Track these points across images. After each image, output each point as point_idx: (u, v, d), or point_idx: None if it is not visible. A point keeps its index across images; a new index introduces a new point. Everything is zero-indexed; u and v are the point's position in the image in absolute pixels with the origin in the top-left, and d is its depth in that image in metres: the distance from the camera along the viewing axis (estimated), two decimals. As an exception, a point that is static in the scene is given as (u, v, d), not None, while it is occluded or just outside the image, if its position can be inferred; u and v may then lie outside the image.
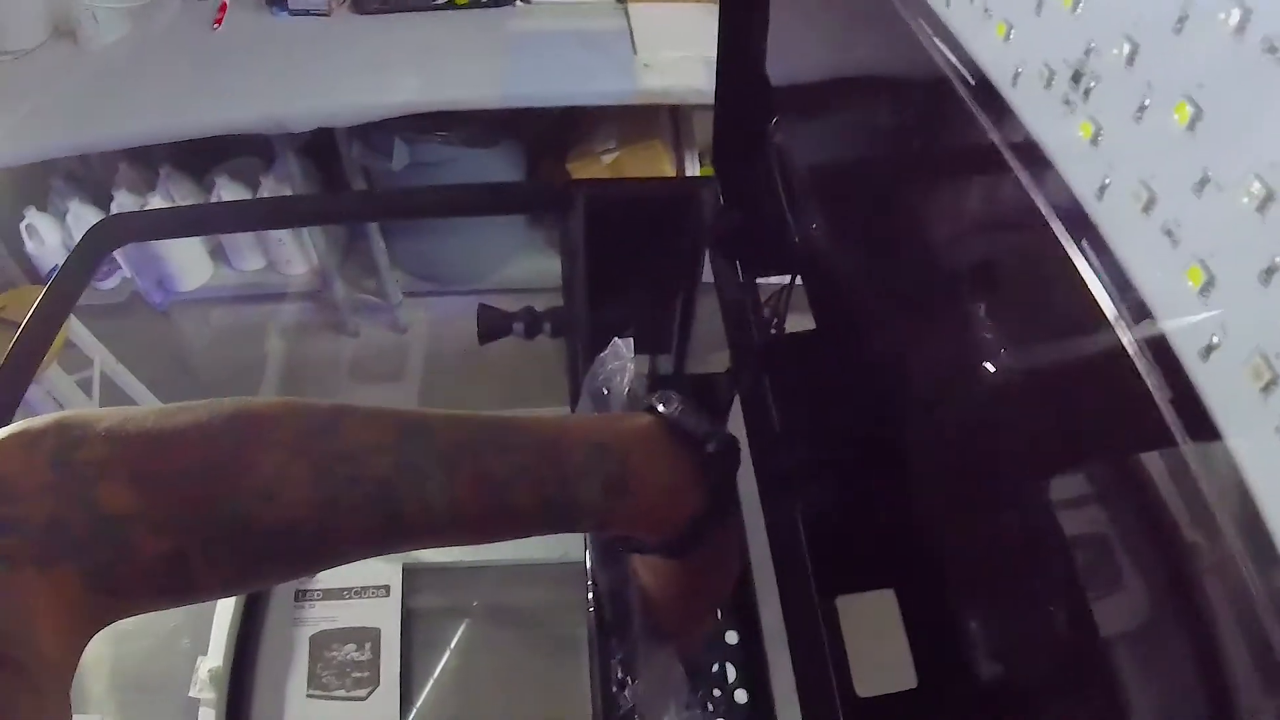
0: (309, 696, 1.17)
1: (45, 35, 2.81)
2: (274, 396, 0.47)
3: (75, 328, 2.32)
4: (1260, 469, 0.29)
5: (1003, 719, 0.49)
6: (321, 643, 1.21)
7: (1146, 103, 0.34)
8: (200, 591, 0.44)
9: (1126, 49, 0.34)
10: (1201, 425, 0.31)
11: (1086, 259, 0.37)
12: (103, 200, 2.87)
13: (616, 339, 0.64)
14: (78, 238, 2.59)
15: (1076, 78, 0.38)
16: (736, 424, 0.72)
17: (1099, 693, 0.42)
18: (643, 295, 0.81)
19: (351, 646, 1.20)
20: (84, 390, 2.35)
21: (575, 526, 0.51)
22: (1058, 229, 0.38)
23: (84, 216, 2.83)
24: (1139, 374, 0.34)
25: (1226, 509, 0.30)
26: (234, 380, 2.92)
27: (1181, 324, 0.33)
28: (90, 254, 0.91)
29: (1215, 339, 0.31)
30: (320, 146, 2.59)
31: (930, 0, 0.50)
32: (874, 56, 0.60)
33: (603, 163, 2.69)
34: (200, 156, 2.86)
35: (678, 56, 2.42)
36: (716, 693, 0.72)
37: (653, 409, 0.54)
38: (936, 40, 0.47)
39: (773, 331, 0.73)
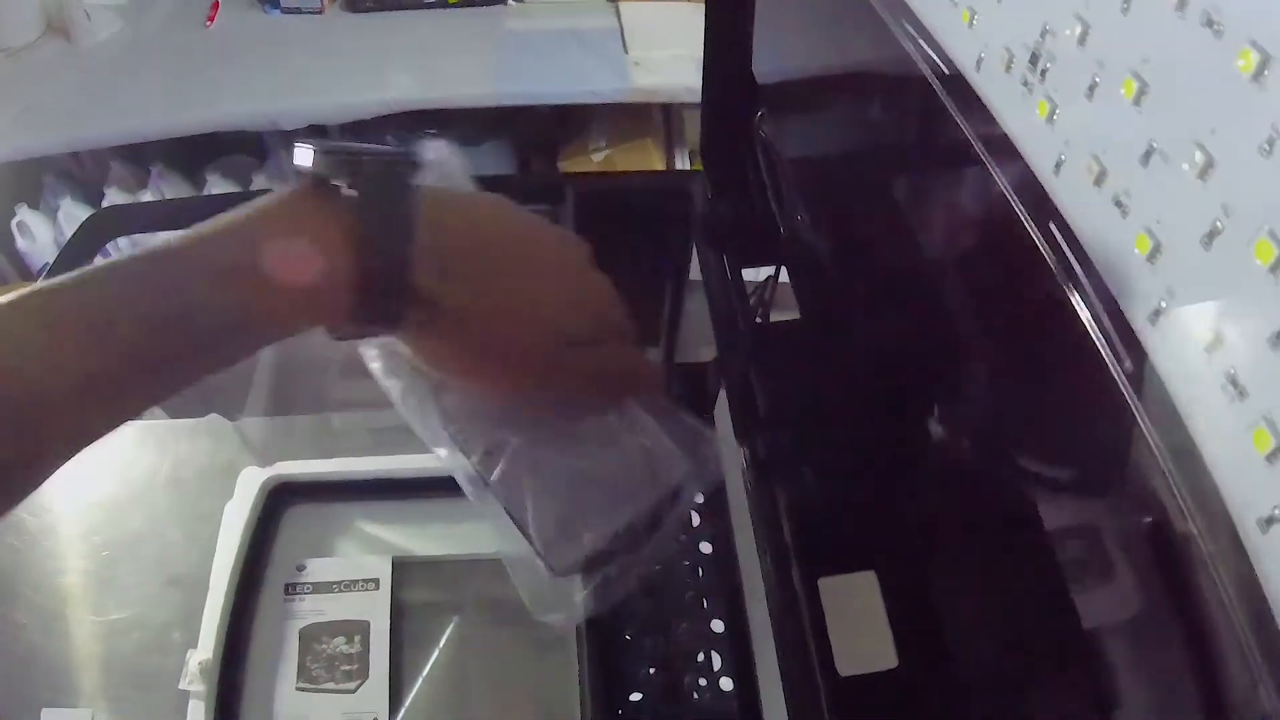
0: (298, 689, 1.17)
1: (38, 32, 2.81)
2: None
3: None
4: (1205, 425, 0.30)
5: (979, 696, 0.49)
6: (311, 635, 1.21)
7: (1097, 80, 0.35)
8: None
9: (1079, 29, 0.36)
10: (1155, 389, 0.32)
11: (1047, 236, 0.38)
12: (94, 198, 2.87)
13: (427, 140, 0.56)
14: (69, 235, 2.60)
15: (1034, 60, 0.39)
16: (722, 414, 0.73)
17: (1075, 675, 0.43)
18: (632, 287, 0.82)
19: (341, 639, 1.21)
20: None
21: (212, 350, 0.44)
22: (1020, 209, 0.39)
23: (76, 214, 2.83)
24: (1098, 344, 0.34)
25: (1181, 472, 0.31)
26: (219, 387, 2.91)
27: (1132, 289, 0.34)
28: (87, 244, 0.91)
29: (1162, 304, 0.32)
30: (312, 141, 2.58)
31: None
32: (850, 49, 0.61)
33: (594, 161, 2.70)
34: (192, 154, 2.86)
35: (668, 55, 2.44)
36: (702, 681, 0.73)
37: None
38: (908, 28, 0.48)
39: (758, 320, 0.75)
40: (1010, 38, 0.40)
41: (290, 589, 1.24)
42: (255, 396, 2.85)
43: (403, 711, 1.17)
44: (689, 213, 0.82)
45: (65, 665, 1.22)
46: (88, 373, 0.40)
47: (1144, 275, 0.33)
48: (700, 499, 0.71)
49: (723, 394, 0.73)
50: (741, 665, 0.72)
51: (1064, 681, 0.44)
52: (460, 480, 0.57)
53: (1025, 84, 0.40)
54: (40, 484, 0.42)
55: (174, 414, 1.56)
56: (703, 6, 2.47)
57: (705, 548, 0.74)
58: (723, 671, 0.72)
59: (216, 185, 2.79)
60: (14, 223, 2.85)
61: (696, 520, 0.74)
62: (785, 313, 0.74)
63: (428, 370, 0.55)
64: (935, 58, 0.45)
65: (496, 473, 0.55)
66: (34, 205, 2.89)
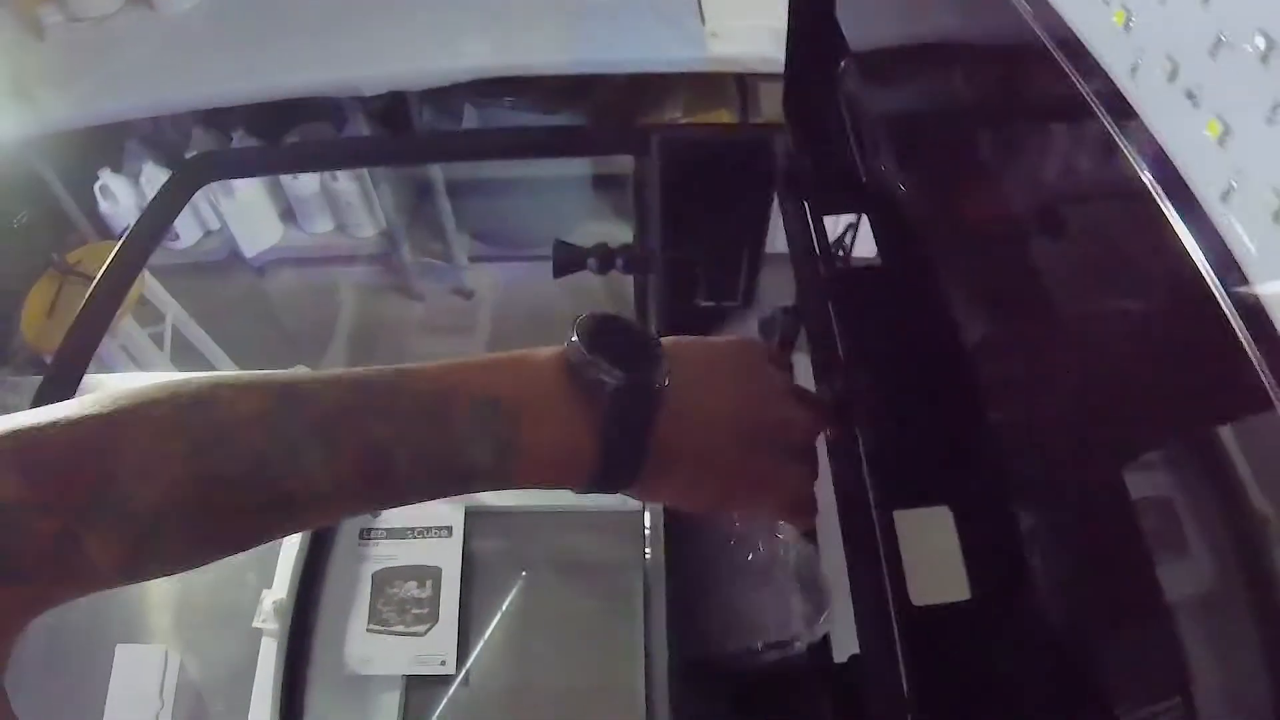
0: (369, 630, 1.20)
1: (122, 1, 2.87)
2: (177, 376, 0.45)
3: (149, 283, 2.38)
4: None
5: (1051, 629, 0.50)
6: (383, 579, 1.24)
7: None
8: (104, 576, 0.42)
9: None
10: (1229, 267, 0.33)
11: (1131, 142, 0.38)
12: (176, 163, 2.91)
13: None
14: (151, 198, 2.66)
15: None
16: (801, 362, 0.74)
17: (1140, 622, 0.43)
18: (713, 237, 0.83)
19: (413, 584, 1.23)
20: (156, 344, 2.41)
21: (471, 490, 0.49)
22: (1106, 118, 0.40)
23: (157, 178, 2.90)
24: (1193, 263, 0.35)
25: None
26: (302, 340, 2.97)
27: (1204, 173, 0.35)
28: (182, 188, 0.94)
29: (1233, 183, 0.34)
30: (390, 111, 2.62)
31: None
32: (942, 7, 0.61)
33: (669, 132, 2.69)
34: (273, 121, 2.92)
35: (744, 25, 2.41)
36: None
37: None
38: None
39: (838, 266, 0.75)
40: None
41: (365, 534, 1.27)
42: (335, 349, 2.92)
43: (471, 656, 1.20)
44: (771, 164, 0.83)
45: (140, 602, 1.25)
46: (360, 491, 0.46)
47: (1216, 157, 0.35)
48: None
49: (803, 340, 0.74)
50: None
51: (1134, 625, 0.45)
52: None
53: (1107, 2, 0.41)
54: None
55: (264, 364, 1.59)
56: (781, -25, 2.45)
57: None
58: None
59: (295, 150, 2.84)
60: (97, 186, 2.91)
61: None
62: (864, 261, 0.75)
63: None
64: (1052, 21, 0.45)
65: None
66: (117, 169, 2.96)
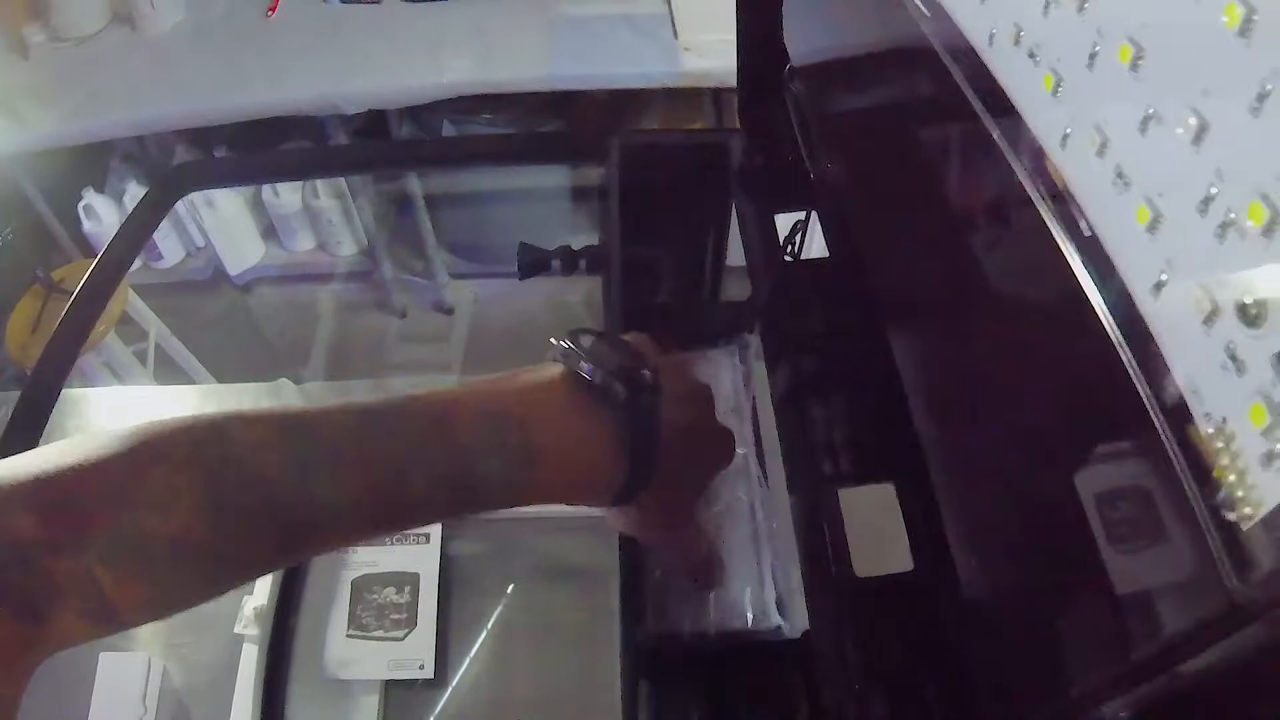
0: (349, 636, 1.21)
1: (105, 21, 2.91)
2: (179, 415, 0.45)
3: (132, 300, 2.40)
4: (1204, 397, 0.31)
5: (991, 598, 0.52)
6: (363, 586, 1.25)
7: (1097, 48, 0.36)
8: (121, 613, 0.43)
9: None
10: (1154, 360, 0.33)
11: (1050, 204, 0.39)
12: (160, 182, 2.94)
13: None
14: (131, 209, 2.66)
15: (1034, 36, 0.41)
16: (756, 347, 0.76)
17: (1087, 583, 0.45)
18: (675, 237, 0.86)
19: (391, 589, 1.24)
20: (140, 360, 2.42)
21: (489, 505, 0.49)
22: (1027, 180, 0.41)
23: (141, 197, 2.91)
24: (1097, 316, 0.36)
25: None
26: (283, 356, 2.98)
27: (1134, 262, 0.35)
28: (164, 199, 0.96)
29: (1164, 276, 0.33)
30: (371, 128, 2.65)
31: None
32: (870, 17, 0.63)
33: (645, 146, 2.72)
34: (254, 139, 2.93)
35: (717, 39, 2.44)
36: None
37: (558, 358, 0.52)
38: (920, 5, 0.50)
39: (788, 259, 0.78)
40: (1019, 12, 0.41)
41: (343, 540, 1.28)
42: (315, 364, 2.93)
43: (450, 660, 1.21)
44: (728, 166, 0.85)
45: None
46: (373, 513, 0.46)
47: (1146, 246, 0.34)
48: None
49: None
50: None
51: (1073, 589, 0.46)
52: None
53: (1032, 55, 0.41)
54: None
55: (245, 378, 1.61)
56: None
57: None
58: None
59: (277, 169, 2.87)
60: (81, 205, 2.93)
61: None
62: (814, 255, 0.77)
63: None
64: (950, 33, 0.47)
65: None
66: (100, 189, 2.98)
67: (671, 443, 0.52)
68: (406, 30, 2.64)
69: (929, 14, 0.50)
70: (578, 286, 0.92)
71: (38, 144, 2.64)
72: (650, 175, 0.85)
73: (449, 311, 3.10)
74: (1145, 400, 0.33)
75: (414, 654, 1.20)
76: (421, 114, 2.59)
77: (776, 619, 0.66)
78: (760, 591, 0.68)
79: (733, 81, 2.35)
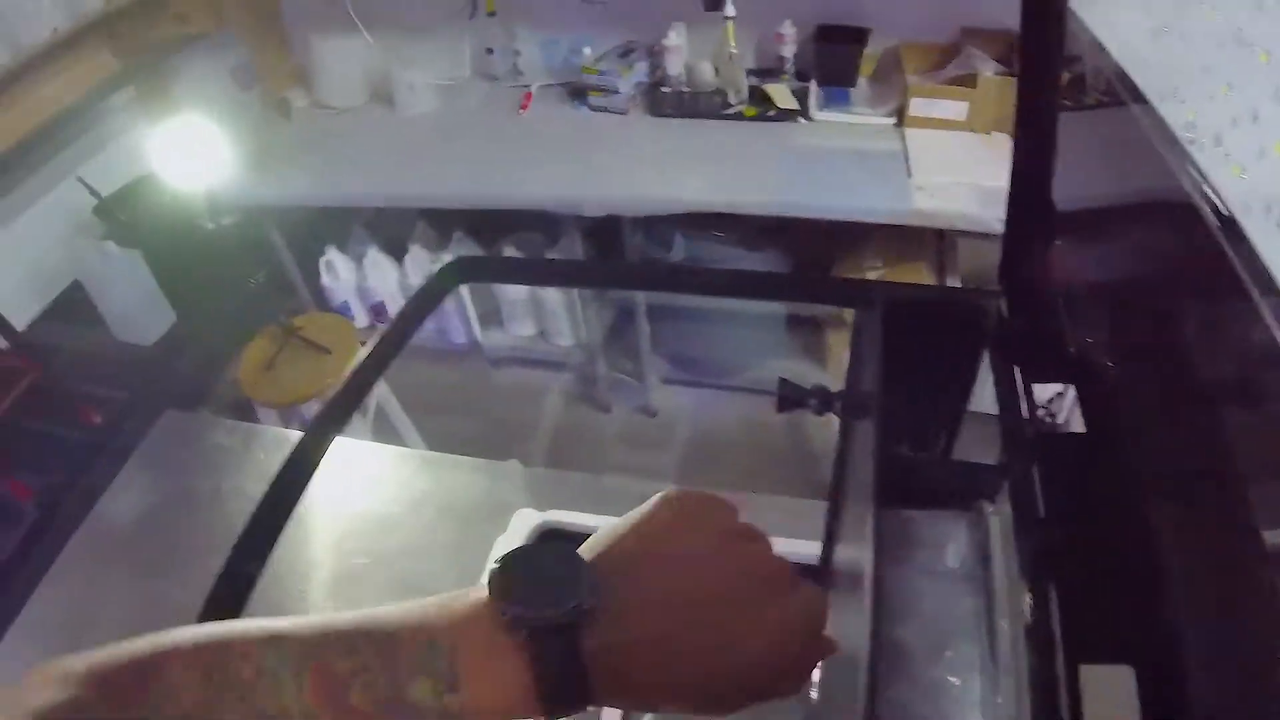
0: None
1: (364, 98, 3.20)
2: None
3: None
4: None
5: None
6: None
7: None
8: None
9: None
10: None
11: None
12: (397, 251, 3.19)
13: None
14: (371, 281, 2.90)
15: None
16: (1004, 510, 0.78)
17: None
18: (921, 390, 0.89)
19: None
20: (360, 413, 2.57)
21: None
22: None
23: (379, 262, 3.17)
24: None
25: None
26: (487, 427, 3.10)
27: None
28: (442, 287, 1.05)
29: None
30: (602, 230, 2.78)
31: (1184, 143, 0.56)
32: (1140, 186, 0.66)
33: (868, 278, 2.77)
34: (490, 226, 3.14)
35: (949, 181, 2.49)
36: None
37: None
38: (1190, 172, 0.53)
39: (1043, 429, 0.80)
40: (1273, 191, 0.45)
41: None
42: (538, 445, 3.05)
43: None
44: (982, 327, 0.88)
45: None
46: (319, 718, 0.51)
47: None
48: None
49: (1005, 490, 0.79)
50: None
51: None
52: None
53: None
54: None
55: (479, 453, 1.72)
56: (984, 136, 2.51)
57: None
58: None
59: (509, 255, 3.04)
60: (322, 260, 3.18)
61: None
62: (1069, 428, 0.80)
63: None
64: (1213, 200, 0.50)
65: None
66: (342, 248, 3.22)
67: (634, 660, 0.53)
68: (650, 143, 2.78)
69: (1203, 188, 0.53)
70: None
71: (291, 200, 2.87)
72: (908, 328, 0.89)
73: (653, 414, 3.19)
74: None
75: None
76: (654, 223, 2.70)
77: None
78: None
79: (959, 224, 2.40)
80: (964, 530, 0.82)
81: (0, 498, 2.46)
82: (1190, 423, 0.61)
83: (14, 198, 2.67)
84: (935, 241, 2.83)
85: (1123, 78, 0.74)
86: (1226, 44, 0.57)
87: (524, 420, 3.21)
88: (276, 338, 2.54)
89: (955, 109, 2.66)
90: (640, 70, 2.97)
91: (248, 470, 1.69)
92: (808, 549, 1.38)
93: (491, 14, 3.03)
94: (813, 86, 2.87)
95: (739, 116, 2.84)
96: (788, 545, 1.43)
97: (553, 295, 3.06)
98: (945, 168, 2.54)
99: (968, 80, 2.63)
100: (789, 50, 2.91)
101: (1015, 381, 0.80)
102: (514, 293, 3.11)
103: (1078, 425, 0.79)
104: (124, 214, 2.73)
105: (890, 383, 0.85)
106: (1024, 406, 0.79)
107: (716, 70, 2.90)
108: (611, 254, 2.88)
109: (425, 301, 1.05)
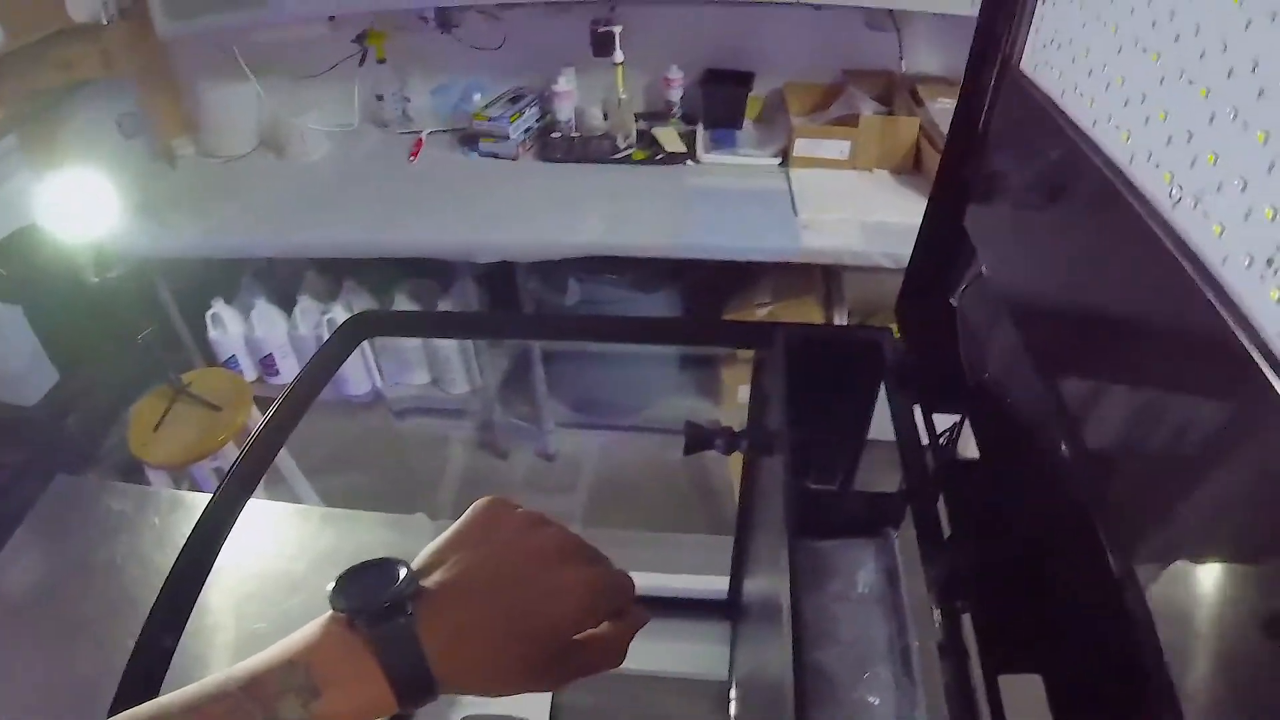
0: (459, 776, 1.25)
1: (253, 146, 3.14)
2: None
3: (254, 414, 2.50)
4: None
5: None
6: (472, 725, 1.29)
7: None
8: None
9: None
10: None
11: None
12: (286, 302, 3.13)
13: None
14: (259, 333, 2.85)
15: (1269, 261, 0.43)
16: (908, 534, 0.82)
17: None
18: (822, 424, 0.92)
19: (502, 732, 1.29)
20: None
21: None
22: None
23: (268, 314, 3.11)
24: None
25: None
26: (385, 477, 3.07)
27: None
28: (345, 342, 1.05)
29: None
30: (496, 276, 2.79)
31: (1151, 199, 0.55)
32: (1066, 236, 0.70)
33: (758, 315, 2.82)
34: (381, 274, 3.10)
35: (834, 218, 2.56)
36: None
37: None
38: (1159, 237, 0.52)
39: (941, 458, 0.84)
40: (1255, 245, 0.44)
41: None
42: (444, 496, 3.02)
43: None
44: (879, 363, 0.92)
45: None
46: None
47: None
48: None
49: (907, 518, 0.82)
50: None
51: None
52: None
53: (1261, 278, 0.43)
54: None
55: (384, 507, 1.70)
56: (866, 174, 2.59)
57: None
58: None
59: (403, 304, 3.03)
60: (209, 313, 3.10)
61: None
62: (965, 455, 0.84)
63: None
64: (1179, 253, 0.50)
65: None
66: (229, 300, 3.15)
67: (461, 638, 0.58)
68: (541, 188, 2.79)
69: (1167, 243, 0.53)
70: (677, 447, 0.99)
71: (177, 251, 2.77)
72: (809, 366, 0.92)
73: (551, 458, 3.19)
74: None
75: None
76: (549, 268, 2.71)
77: None
78: None
79: (845, 260, 2.46)
80: (872, 556, 0.86)
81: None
82: (1075, 443, 0.64)
83: (-113, 251, 2.54)
84: (823, 276, 2.90)
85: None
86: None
87: (428, 470, 3.18)
88: (165, 396, 2.46)
89: (838, 148, 2.74)
90: (530, 116, 2.99)
91: (144, 535, 1.64)
92: (716, 584, 1.41)
93: (381, 61, 3.02)
94: (700, 129, 2.94)
95: (628, 160, 2.89)
96: (694, 581, 1.46)
97: (446, 343, 3.05)
98: (830, 205, 2.62)
99: (850, 120, 2.72)
100: (677, 94, 2.98)
101: (913, 414, 0.84)
102: (407, 341, 3.09)
103: (974, 451, 0.84)
104: (4, 268, 2.63)
105: (793, 418, 0.88)
106: (923, 435, 0.84)
107: (605, 115, 2.94)
108: (506, 300, 2.88)
109: (328, 360, 1.05)
